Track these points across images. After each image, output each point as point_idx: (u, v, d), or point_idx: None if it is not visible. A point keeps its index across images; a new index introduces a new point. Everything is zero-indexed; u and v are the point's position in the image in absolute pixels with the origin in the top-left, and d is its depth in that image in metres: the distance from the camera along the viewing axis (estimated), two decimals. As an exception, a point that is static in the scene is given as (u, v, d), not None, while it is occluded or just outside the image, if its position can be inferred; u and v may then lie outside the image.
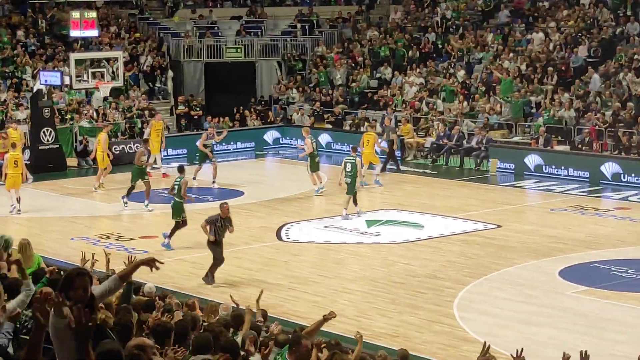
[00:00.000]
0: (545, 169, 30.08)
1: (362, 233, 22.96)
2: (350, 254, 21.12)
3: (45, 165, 31.84)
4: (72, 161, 33.30)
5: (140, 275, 18.31)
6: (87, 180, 30.66)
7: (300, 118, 37.79)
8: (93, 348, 6.34)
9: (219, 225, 18.53)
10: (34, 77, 36.01)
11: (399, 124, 33.86)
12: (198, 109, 39.04)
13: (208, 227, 18.60)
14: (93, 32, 33.29)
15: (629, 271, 19.16)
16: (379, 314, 16.66)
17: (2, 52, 37.80)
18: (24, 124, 33.61)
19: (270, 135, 37.12)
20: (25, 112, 34.14)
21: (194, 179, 28.30)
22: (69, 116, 34.89)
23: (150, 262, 8.08)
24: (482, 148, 31.85)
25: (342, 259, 20.66)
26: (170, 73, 40.74)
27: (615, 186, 28.27)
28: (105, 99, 35.54)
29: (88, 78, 31.80)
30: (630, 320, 16.34)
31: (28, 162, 31.60)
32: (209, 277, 18.52)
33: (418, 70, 38.17)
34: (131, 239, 22.45)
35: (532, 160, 30.44)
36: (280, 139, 37.10)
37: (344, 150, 35.29)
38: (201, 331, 9.55)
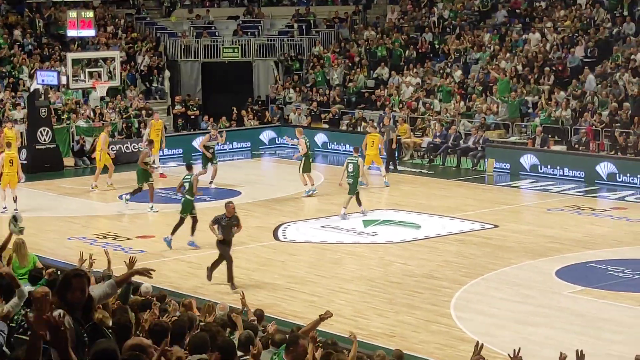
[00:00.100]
0: (541, 169, 30.10)
1: (359, 233, 22.95)
2: (347, 253, 21.11)
3: (42, 165, 31.81)
4: (69, 161, 33.26)
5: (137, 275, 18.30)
6: (84, 180, 30.62)
7: (297, 118, 37.77)
8: (90, 348, 6.33)
9: (224, 225, 18.47)
10: (31, 76, 35.98)
11: (396, 124, 33.87)
12: (195, 108, 39.01)
13: (215, 227, 18.56)
14: (90, 32, 33.26)
15: (626, 271, 19.16)
16: (376, 314, 16.65)
17: (-1, 52, 37.81)
18: (21, 124, 33.59)
19: (266, 135, 37.07)
20: (22, 111, 34.11)
21: (210, 182, 28.30)
22: (65, 116, 34.86)
23: (145, 273, 8.48)
24: (479, 148, 31.86)
25: (339, 259, 20.64)
26: (167, 73, 40.72)
27: (611, 186, 28.29)
28: (102, 98, 35.52)
29: (85, 78, 31.77)
30: (626, 320, 16.34)
31: (25, 162, 31.60)
32: (231, 284, 18.19)
33: (415, 70, 38.16)
34: (128, 239, 22.42)
35: (527, 160, 30.45)
36: (277, 139, 37.09)
37: (340, 150, 35.35)
38: (198, 331, 9.54)
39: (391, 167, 31.36)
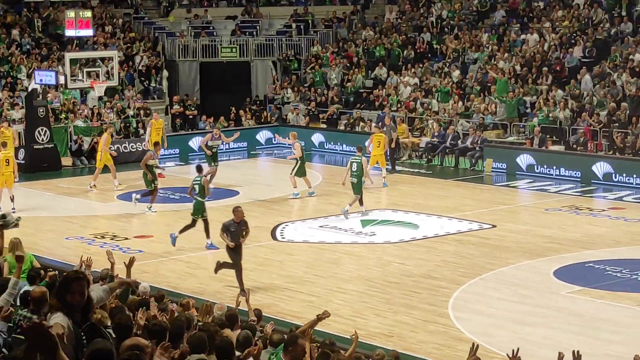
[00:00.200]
0: (537, 169, 30.14)
1: (357, 233, 22.95)
2: (345, 253, 21.11)
3: (40, 164, 31.80)
4: (66, 161, 33.24)
5: (135, 275, 18.30)
6: (82, 179, 30.62)
7: (295, 118, 37.78)
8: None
9: (233, 231, 18.08)
10: (29, 76, 35.96)
11: (394, 124, 33.84)
12: (193, 108, 38.99)
13: (225, 235, 18.12)
14: (88, 32, 33.23)
15: (624, 271, 19.17)
16: (374, 314, 16.65)
17: (-3, 52, 37.78)
18: (19, 124, 33.57)
19: (262, 135, 36.94)
20: (20, 111, 34.09)
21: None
22: (63, 115, 34.84)
23: (133, 286, 9.22)
24: (477, 148, 31.87)
25: (337, 259, 20.64)
26: (165, 73, 40.71)
27: (607, 186, 28.33)
28: (100, 98, 35.50)
29: (83, 77, 31.74)
30: (624, 320, 16.35)
31: (23, 162, 31.60)
32: (241, 290, 17.63)
33: (413, 70, 38.17)
34: (126, 239, 22.42)
35: (524, 160, 30.48)
36: (273, 139, 37.03)
37: (336, 150, 35.39)
38: (196, 331, 9.54)
39: (389, 166, 31.35)
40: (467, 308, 17.04)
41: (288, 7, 45.56)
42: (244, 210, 18.53)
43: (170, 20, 44.71)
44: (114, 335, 7.41)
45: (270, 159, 35.23)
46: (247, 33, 43.12)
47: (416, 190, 28.38)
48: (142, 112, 36.51)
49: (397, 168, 31.61)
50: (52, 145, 32.41)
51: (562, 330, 15.73)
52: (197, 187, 21.53)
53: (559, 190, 27.94)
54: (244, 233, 18.19)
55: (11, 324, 8.84)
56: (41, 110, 32.15)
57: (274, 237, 22.59)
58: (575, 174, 29.20)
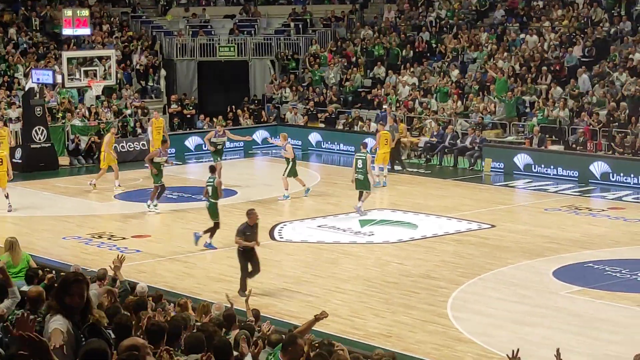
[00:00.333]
0: (535, 169, 30.16)
1: (356, 233, 22.94)
2: (344, 253, 21.09)
3: (37, 164, 31.78)
4: (64, 160, 33.23)
5: (133, 275, 18.32)
6: (79, 179, 30.61)
7: (293, 117, 37.78)
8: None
9: (248, 234, 17.81)
10: (26, 75, 35.95)
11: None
12: (191, 107, 38.99)
13: (242, 239, 17.76)
14: (85, 31, 33.21)
15: (623, 271, 19.17)
16: (373, 314, 16.64)
17: (-6, 50, 37.78)
18: (16, 123, 33.56)
19: (259, 135, 36.85)
20: (17, 110, 34.07)
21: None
22: (60, 115, 34.82)
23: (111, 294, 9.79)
24: (476, 148, 31.87)
25: (336, 259, 20.63)
26: (163, 72, 40.70)
27: (604, 185, 28.35)
28: (97, 97, 35.49)
29: (80, 77, 31.70)
30: (624, 321, 16.34)
31: (20, 161, 31.59)
32: (241, 290, 17.58)
33: (412, 69, 38.17)
34: (123, 238, 22.40)
35: (521, 159, 30.50)
36: (273, 137, 37.01)
37: (334, 150, 35.41)
38: (194, 331, 9.53)
39: (388, 166, 31.32)
40: (466, 308, 17.03)
41: (286, 6, 45.57)
42: (243, 209, 18.51)
43: (168, 19, 44.71)
44: (113, 336, 7.41)
45: (268, 159, 35.20)
46: (245, 32, 43.13)
47: (415, 190, 28.38)
48: (139, 111, 36.51)
49: (396, 168, 31.58)
50: (50, 144, 32.39)
51: (561, 330, 15.72)
52: (210, 188, 21.38)
53: (558, 190, 27.94)
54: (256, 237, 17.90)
55: (7, 324, 8.82)
56: (38, 109, 32.13)
57: (272, 237, 22.57)
58: (573, 173, 29.23)
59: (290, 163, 26.87)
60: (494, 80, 34.78)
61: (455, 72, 37.02)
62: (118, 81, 36.38)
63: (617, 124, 30.69)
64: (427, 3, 42.61)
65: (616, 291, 17.88)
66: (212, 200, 21.34)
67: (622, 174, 28.44)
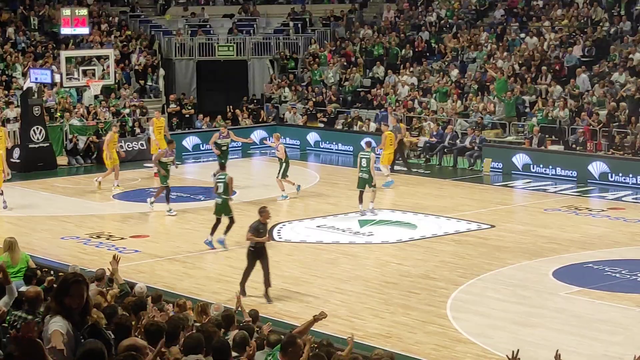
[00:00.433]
0: (533, 168, 30.19)
1: (355, 233, 22.95)
2: (343, 254, 21.09)
3: (36, 163, 31.78)
4: (62, 160, 33.23)
5: (132, 275, 18.34)
6: (78, 179, 30.64)
7: (292, 117, 37.79)
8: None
9: (261, 232, 17.53)
10: (24, 75, 35.94)
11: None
12: (190, 107, 38.98)
13: (254, 236, 17.53)
14: (84, 30, 33.23)
15: (623, 272, 19.18)
16: (372, 315, 16.65)
17: (-8, 50, 37.77)
18: (14, 122, 33.56)
19: (257, 135, 36.78)
20: (15, 110, 34.06)
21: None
22: (58, 114, 34.81)
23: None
24: (476, 148, 31.88)
25: (335, 259, 20.62)
26: (161, 71, 40.70)
27: (603, 185, 28.37)
28: (95, 97, 35.49)
29: (79, 76, 31.71)
30: (624, 321, 16.35)
31: (18, 161, 31.59)
32: (267, 295, 17.48)
33: (411, 69, 38.18)
34: (122, 239, 22.40)
35: (519, 159, 30.52)
36: (268, 138, 36.97)
37: (332, 149, 35.43)
38: (193, 331, 9.55)
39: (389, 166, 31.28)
40: (466, 309, 17.04)
41: (285, 6, 45.59)
42: (242, 209, 18.50)
43: (166, 19, 44.71)
44: (113, 336, 7.42)
45: (266, 158, 35.19)
46: (244, 31, 43.13)
47: (414, 190, 28.38)
48: (138, 111, 36.51)
49: (397, 168, 31.57)
50: (48, 144, 32.38)
51: (561, 331, 15.73)
52: (222, 185, 21.28)
53: (557, 191, 27.95)
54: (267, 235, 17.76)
55: (5, 324, 8.83)
56: (36, 109, 32.13)
57: (271, 237, 22.53)
58: (571, 173, 29.27)
59: (284, 164, 26.83)
60: (494, 80, 34.79)
61: (454, 72, 37.03)
62: (117, 81, 36.38)
63: (617, 124, 30.69)
64: (427, 2, 42.64)
65: (616, 292, 17.88)
66: (224, 197, 21.30)
67: (620, 174, 28.47)
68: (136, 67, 39.86)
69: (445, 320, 16.36)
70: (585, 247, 21.27)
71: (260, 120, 38.61)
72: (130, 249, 21.25)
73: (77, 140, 33.60)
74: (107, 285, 13.38)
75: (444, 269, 19.52)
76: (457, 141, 32.81)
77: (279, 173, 26.89)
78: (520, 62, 35.82)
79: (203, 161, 34.17)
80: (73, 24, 31.75)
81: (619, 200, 26.51)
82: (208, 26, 43.81)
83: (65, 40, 38.50)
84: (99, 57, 33.33)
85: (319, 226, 23.77)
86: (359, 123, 35.97)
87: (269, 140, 30.57)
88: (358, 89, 38.84)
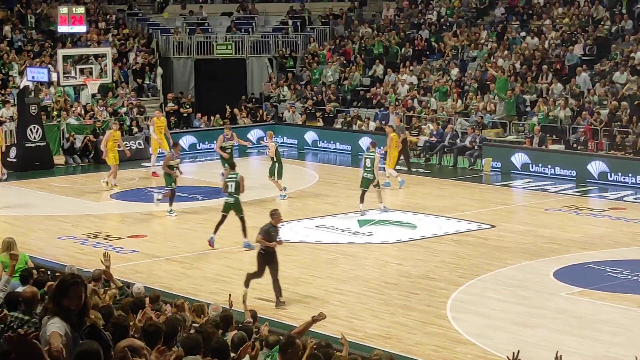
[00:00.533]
0: (532, 168, 30.20)
1: (354, 233, 22.95)
2: (342, 254, 21.09)
3: (32, 163, 31.77)
4: (59, 159, 33.22)
5: (129, 275, 18.34)
6: (75, 178, 30.64)
7: (291, 116, 37.79)
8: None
9: (272, 235, 17.33)
10: (20, 73, 35.94)
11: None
12: (188, 106, 38.98)
13: (264, 239, 17.33)
14: (81, 28, 33.25)
15: (624, 272, 19.18)
16: (371, 315, 16.65)
17: (-11, 48, 37.75)
18: (10, 122, 33.54)
19: (254, 134, 36.75)
20: (11, 109, 34.06)
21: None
22: (55, 113, 34.81)
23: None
24: (476, 147, 31.88)
25: (334, 259, 20.62)
26: (159, 70, 40.69)
27: (602, 185, 28.39)
28: (93, 96, 35.49)
29: (76, 75, 31.72)
30: (625, 322, 16.35)
31: (14, 160, 31.59)
32: (278, 301, 17.23)
33: (411, 68, 38.18)
34: (119, 238, 22.40)
35: (518, 158, 30.53)
36: (264, 138, 36.89)
37: (330, 149, 35.44)
38: (191, 332, 9.55)
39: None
40: (466, 309, 17.04)
41: (284, 4, 45.59)
42: (245, 209, 18.49)
43: (164, 17, 44.72)
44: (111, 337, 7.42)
45: (263, 158, 35.15)
46: (243, 30, 43.13)
47: (414, 190, 28.37)
48: (135, 110, 36.51)
49: (397, 167, 31.53)
50: (45, 143, 32.38)
51: (561, 332, 15.73)
52: (233, 184, 21.19)
53: (557, 190, 27.95)
54: (279, 239, 17.56)
55: (3, 326, 8.82)
56: (33, 107, 32.12)
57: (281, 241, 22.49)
58: (571, 173, 29.29)
59: (276, 164, 26.79)
60: (494, 78, 34.79)
61: (454, 71, 37.04)
62: (114, 79, 36.37)
63: (618, 123, 30.69)
64: (427, 1, 42.65)
65: (617, 292, 17.88)
66: (236, 196, 21.26)
67: (620, 174, 28.49)
68: (134, 66, 39.83)
69: (445, 321, 16.36)
70: (586, 247, 21.28)
71: (259, 119, 38.61)
72: (127, 249, 21.25)
73: (74, 139, 33.60)
74: (104, 285, 13.38)
75: (444, 270, 19.53)
76: (457, 140, 32.81)
77: (270, 172, 26.80)
78: (520, 60, 35.82)
79: (200, 161, 34.16)
80: (70, 22, 31.76)
81: (620, 200, 26.52)
82: (206, 24, 43.81)
83: (63, 39, 38.50)
84: (96, 56, 33.33)
85: (317, 226, 23.76)
86: (359, 122, 35.97)
87: (265, 140, 30.53)
88: (357, 88, 38.84)
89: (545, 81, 34.35)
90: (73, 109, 35.13)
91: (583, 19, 37.43)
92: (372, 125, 35.34)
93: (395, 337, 15.55)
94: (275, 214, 17.67)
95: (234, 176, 21.43)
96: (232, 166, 22.51)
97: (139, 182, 29.76)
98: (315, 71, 40.08)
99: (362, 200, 24.64)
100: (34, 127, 32.10)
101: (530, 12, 39.37)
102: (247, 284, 17.29)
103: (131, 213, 25.53)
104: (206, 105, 39.72)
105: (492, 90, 34.61)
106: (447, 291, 17.98)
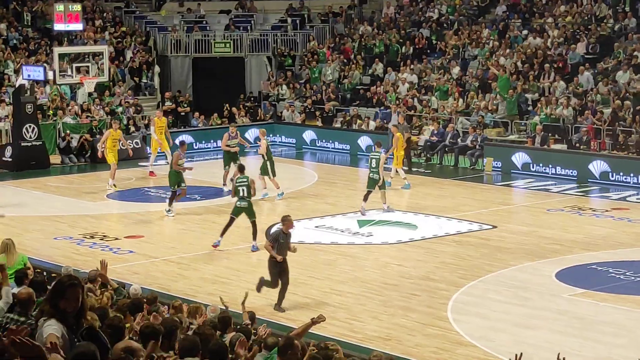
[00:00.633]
0: (533, 167, 30.20)
1: (354, 233, 22.94)
2: (342, 254, 21.09)
3: (28, 162, 31.75)
4: (55, 158, 33.21)
5: (126, 276, 18.34)
6: (71, 178, 30.63)
7: (290, 115, 37.78)
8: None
9: (282, 242, 17.03)
10: (16, 72, 35.93)
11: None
12: (185, 105, 38.97)
13: (272, 247, 17.10)
14: (77, 26, 33.18)
15: (627, 273, 19.19)
16: (371, 317, 16.65)
17: (-16, 46, 37.75)
18: (5, 120, 33.54)
19: (252, 133, 36.67)
20: (6, 108, 34.06)
21: (223, 184, 27.90)
22: (51, 112, 34.80)
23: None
24: (477, 146, 31.88)
25: (333, 260, 20.62)
26: (157, 68, 40.69)
27: (604, 185, 28.40)
28: (89, 94, 35.48)
29: (72, 73, 31.70)
30: (628, 324, 16.36)
31: (10, 160, 31.59)
32: (279, 306, 17.02)
33: (412, 66, 38.17)
34: (116, 239, 22.39)
35: (519, 158, 30.54)
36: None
37: (328, 148, 35.44)
38: (188, 333, 9.55)
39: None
40: (467, 311, 17.04)
41: (283, 1, 45.56)
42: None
43: (162, 15, 44.72)
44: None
45: (260, 157, 35.10)
46: (241, 28, 43.13)
47: (414, 190, 28.35)
48: (132, 108, 36.50)
49: (385, 166, 31.42)
50: (40, 142, 32.36)
51: (564, 333, 15.74)
52: (245, 188, 21.02)
53: (559, 191, 27.94)
54: (290, 247, 17.23)
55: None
56: (29, 106, 32.10)
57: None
58: (572, 172, 29.30)
59: (267, 162, 26.76)
60: (496, 77, 34.79)
61: (456, 70, 37.03)
62: (111, 78, 36.36)
63: (622, 122, 30.67)
64: (427, -2, 42.65)
65: (620, 293, 17.89)
66: (248, 200, 21.20)
67: (621, 173, 28.49)
68: (130, 65, 39.82)
69: (446, 322, 16.36)
70: (589, 248, 21.28)
71: (258, 118, 38.60)
72: (124, 249, 21.24)
73: (71, 138, 33.59)
74: (101, 287, 13.37)
75: (444, 270, 19.53)
76: (459, 140, 32.80)
77: (262, 170, 26.72)
78: (522, 59, 35.81)
79: (197, 160, 34.13)
80: (66, 19, 31.71)
81: (623, 201, 26.52)
82: (204, 22, 43.81)
83: (59, 37, 38.50)
84: (93, 54, 33.30)
85: (317, 226, 23.76)
86: (358, 121, 35.97)
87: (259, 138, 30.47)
88: (357, 87, 38.84)
89: (548, 80, 34.34)
90: (69, 107, 35.12)
91: (586, 17, 37.42)
92: (372, 125, 35.34)
93: (395, 338, 15.56)
94: (286, 221, 17.37)
95: (245, 180, 21.28)
96: (241, 169, 22.23)
97: (136, 182, 29.74)
98: (314, 70, 40.08)
99: (365, 199, 24.62)
100: (30, 126, 32.08)
101: (533, 10, 39.37)
102: (259, 289, 17.10)
103: (128, 213, 25.52)
104: (204, 104, 39.72)
105: (494, 89, 34.60)
106: (447, 292, 17.99)
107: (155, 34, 42.53)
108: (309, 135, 36.27)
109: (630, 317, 16.71)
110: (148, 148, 32.73)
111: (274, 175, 26.73)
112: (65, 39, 38.50)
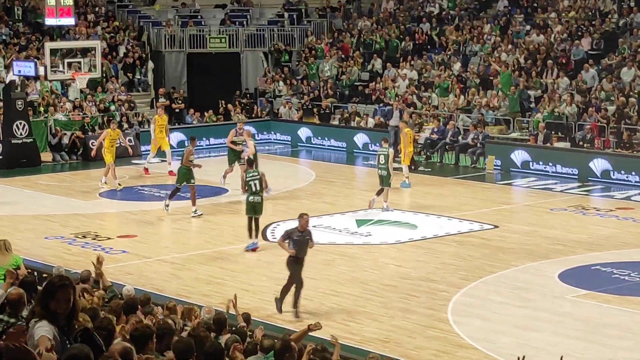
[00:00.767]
0: (532, 166, 30.21)
1: (352, 233, 22.94)
2: (340, 254, 21.09)
3: (18, 160, 31.73)
4: (46, 156, 33.18)
5: (119, 277, 18.32)
6: (62, 176, 30.60)
7: (287, 112, 37.78)
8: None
9: (296, 239, 16.98)
10: (6, 67, 35.90)
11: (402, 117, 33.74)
12: (180, 101, 38.94)
13: (286, 243, 17.16)
14: (69, 21, 33.13)
15: (632, 274, 19.19)
16: (370, 319, 16.65)
17: (-27, 41, 37.72)
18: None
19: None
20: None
21: (222, 177, 27.84)
22: (42, 109, 34.76)
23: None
24: (478, 144, 31.87)
25: (331, 260, 20.62)
26: (150, 64, 40.66)
27: (605, 183, 28.41)
28: (81, 91, 35.45)
29: (64, 69, 31.65)
30: (632, 326, 16.37)
31: (0, 157, 31.56)
32: (279, 303, 16.93)
33: (411, 62, 38.17)
34: (108, 239, 22.37)
35: (518, 156, 30.55)
36: (256, 135, 36.78)
37: (324, 146, 35.44)
38: (182, 335, 9.54)
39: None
40: (468, 312, 17.04)
41: (280, -4, 45.59)
42: (234, 209, 18.44)
43: (156, 9, 44.68)
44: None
45: (260, 155, 35.11)
46: (237, 23, 43.10)
47: (414, 189, 28.36)
48: (125, 105, 36.47)
49: (395, 165, 31.48)
50: (31, 139, 32.33)
51: (567, 335, 15.74)
52: (257, 182, 21.01)
53: (562, 190, 27.94)
54: (311, 243, 17.25)
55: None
56: (19, 102, 32.07)
57: (264, 237, 22.54)
58: (572, 171, 29.31)
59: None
60: (498, 74, 34.79)
61: (456, 66, 37.03)
62: (104, 74, 36.33)
63: (628, 119, 30.66)
64: (428, -7, 42.65)
65: (624, 295, 17.90)
66: (261, 194, 21.15)
67: (623, 172, 28.51)
68: (124, 60, 39.79)
69: (446, 324, 16.36)
70: (592, 248, 21.29)
71: (254, 115, 38.59)
72: (117, 249, 21.23)
73: (62, 135, 33.56)
74: (93, 287, 13.36)
75: (445, 271, 19.53)
76: (459, 138, 32.80)
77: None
78: (525, 55, 35.81)
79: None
80: (58, 14, 31.66)
81: (628, 200, 26.52)
82: (199, 17, 43.78)
83: (50, 32, 38.47)
84: (85, 49, 33.24)
85: (314, 226, 23.70)
86: (357, 118, 35.96)
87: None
88: (356, 83, 38.84)
89: (551, 76, 34.34)
90: (61, 104, 35.09)
91: (590, 12, 37.42)
92: (371, 122, 35.33)
93: (394, 341, 15.55)
94: (301, 219, 17.35)
95: (256, 174, 21.24)
96: (250, 164, 22.08)
97: (129, 180, 29.71)
98: (312, 66, 40.06)
99: (378, 194, 24.61)
100: (20, 123, 32.05)
101: (535, 4, 39.37)
102: (279, 309, 16.87)
103: (121, 212, 25.51)
104: (199, 101, 39.67)
105: (496, 86, 34.60)
106: (448, 294, 17.99)
107: (149, 28, 42.50)
108: (304, 132, 36.27)
109: (635, 319, 16.72)
110: (143, 146, 32.68)
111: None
112: (57, 33, 38.45)
